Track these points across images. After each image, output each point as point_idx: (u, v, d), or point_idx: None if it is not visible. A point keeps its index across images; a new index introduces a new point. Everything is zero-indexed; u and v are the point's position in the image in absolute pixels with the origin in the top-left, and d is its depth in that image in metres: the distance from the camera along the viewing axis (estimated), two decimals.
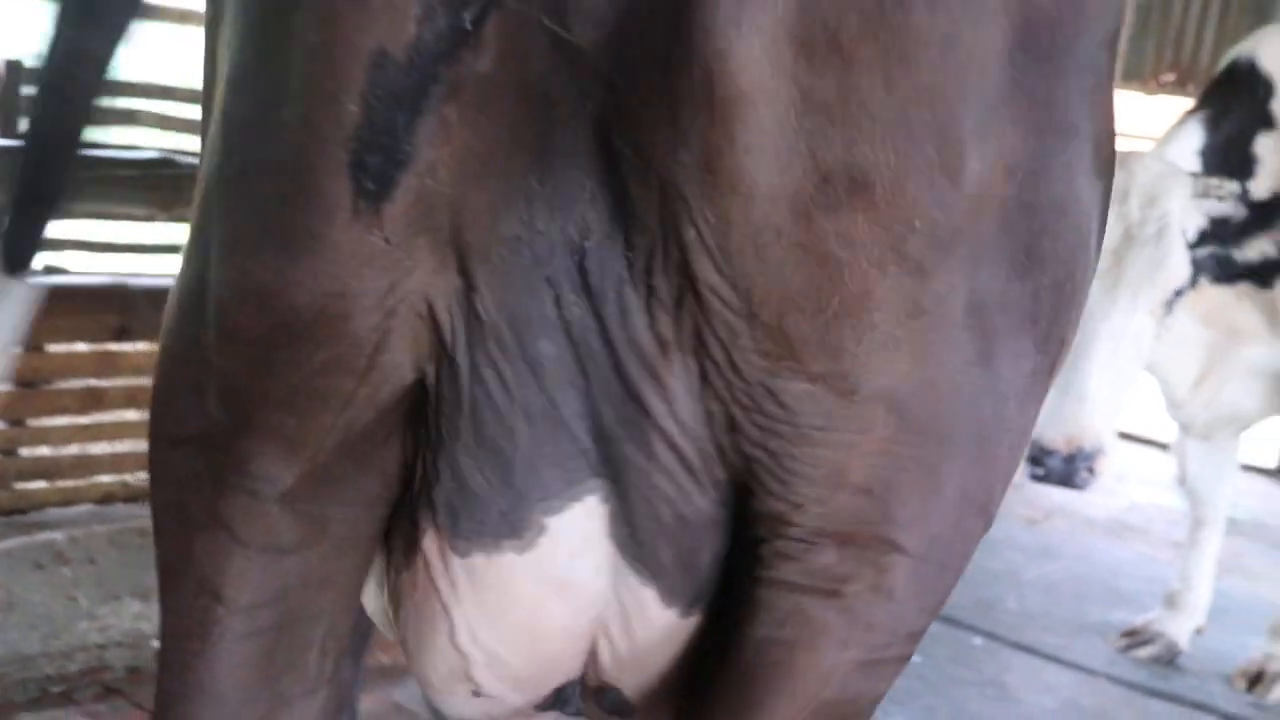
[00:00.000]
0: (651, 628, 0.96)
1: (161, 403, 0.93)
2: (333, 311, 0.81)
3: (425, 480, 0.92)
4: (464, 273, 0.82)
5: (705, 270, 0.79)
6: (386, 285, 0.81)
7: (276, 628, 0.95)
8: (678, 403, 0.86)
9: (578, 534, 0.93)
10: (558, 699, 1.04)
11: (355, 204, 0.77)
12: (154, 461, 0.94)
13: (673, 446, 0.88)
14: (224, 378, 0.87)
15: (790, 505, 0.87)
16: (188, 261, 0.91)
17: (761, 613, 0.89)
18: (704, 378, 0.84)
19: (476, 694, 1.01)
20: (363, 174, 0.74)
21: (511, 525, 0.92)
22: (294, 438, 0.87)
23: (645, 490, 0.90)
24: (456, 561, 0.94)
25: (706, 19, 0.72)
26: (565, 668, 1.01)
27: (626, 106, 0.76)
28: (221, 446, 0.89)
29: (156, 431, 0.93)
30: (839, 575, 0.89)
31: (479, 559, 0.94)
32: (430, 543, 0.94)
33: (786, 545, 0.88)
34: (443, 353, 0.86)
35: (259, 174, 0.81)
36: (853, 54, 0.74)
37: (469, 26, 0.73)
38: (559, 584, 0.95)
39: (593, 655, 1.00)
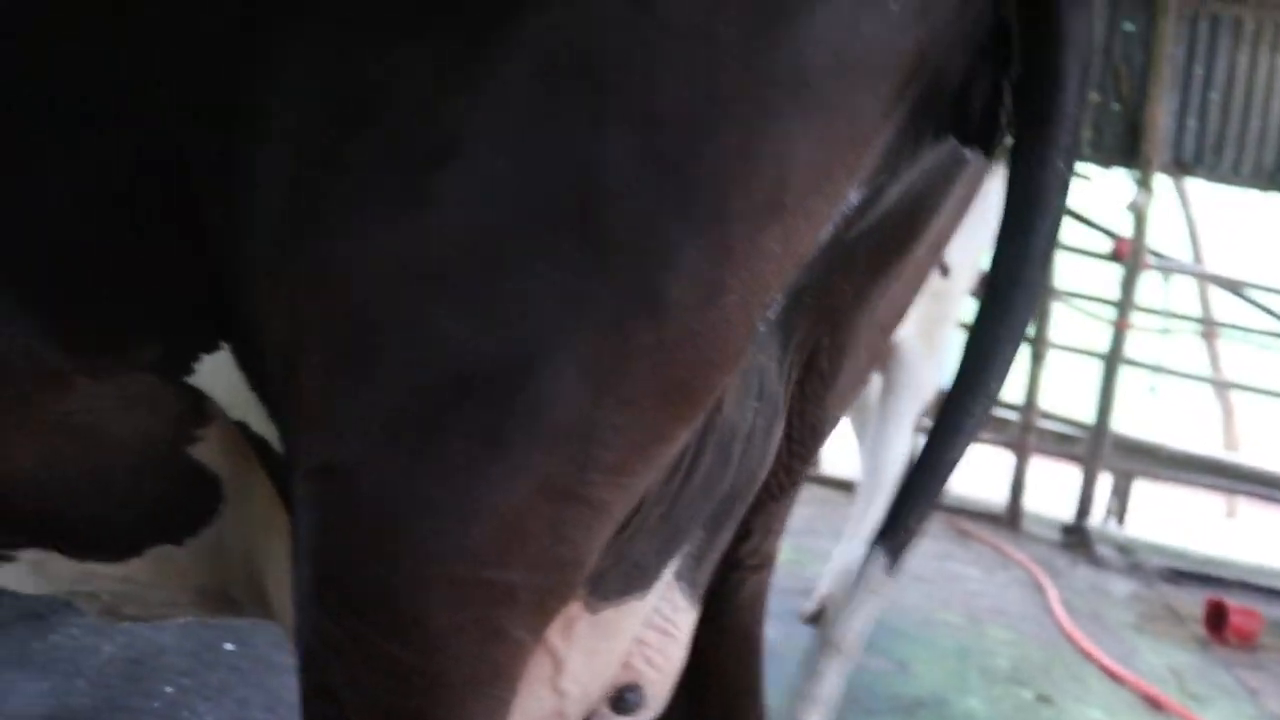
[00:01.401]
0: (681, 628, 1.17)
1: None
2: None
3: None
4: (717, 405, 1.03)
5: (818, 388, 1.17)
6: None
7: None
8: (770, 453, 1.16)
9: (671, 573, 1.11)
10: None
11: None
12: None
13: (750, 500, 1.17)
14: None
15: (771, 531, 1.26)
16: None
17: (743, 596, 1.27)
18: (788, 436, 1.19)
19: None
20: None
21: (646, 580, 1.07)
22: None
23: (726, 536, 1.16)
24: (584, 618, 1.04)
25: None
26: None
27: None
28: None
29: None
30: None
31: (609, 613, 1.06)
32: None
33: (763, 544, 1.26)
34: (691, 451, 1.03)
35: None
36: None
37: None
38: (646, 617, 1.11)
39: (626, 663, 1.13)
